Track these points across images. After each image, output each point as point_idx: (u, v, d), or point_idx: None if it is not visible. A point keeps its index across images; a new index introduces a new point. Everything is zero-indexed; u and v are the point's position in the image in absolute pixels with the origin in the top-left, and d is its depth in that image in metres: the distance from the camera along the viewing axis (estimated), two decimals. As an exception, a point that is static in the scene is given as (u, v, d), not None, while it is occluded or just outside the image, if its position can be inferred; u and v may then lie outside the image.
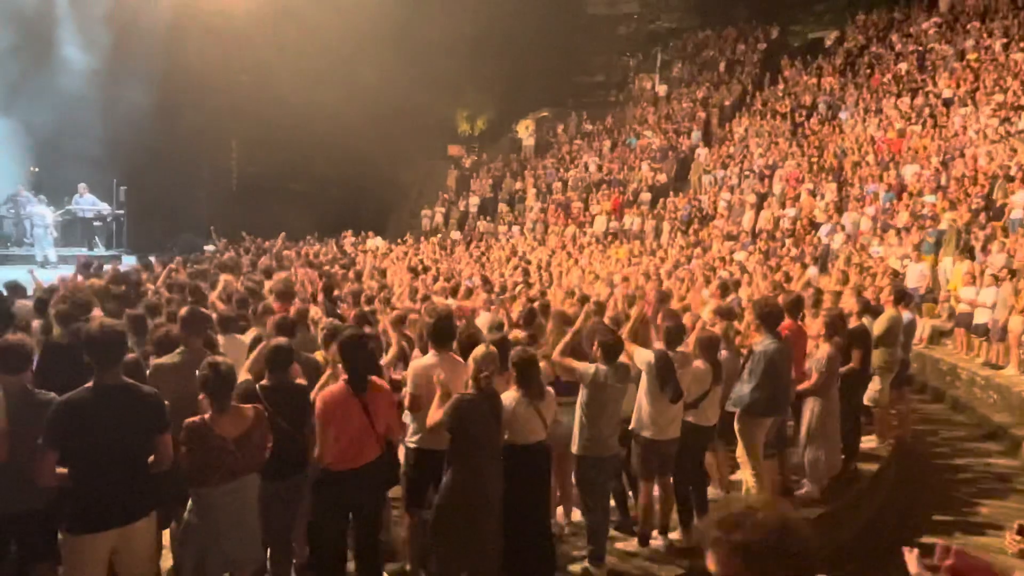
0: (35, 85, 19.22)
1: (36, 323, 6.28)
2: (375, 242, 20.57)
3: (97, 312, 6.29)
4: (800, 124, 22.28)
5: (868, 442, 7.30)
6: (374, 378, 4.24)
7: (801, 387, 6.05)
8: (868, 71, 23.22)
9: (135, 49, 20.94)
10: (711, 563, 1.75)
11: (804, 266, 13.18)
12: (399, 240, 21.34)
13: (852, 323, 6.75)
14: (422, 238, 22.56)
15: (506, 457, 4.34)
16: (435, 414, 4.22)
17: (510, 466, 4.33)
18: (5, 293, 7.49)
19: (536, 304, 7.36)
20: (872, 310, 7.38)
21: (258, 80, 22.69)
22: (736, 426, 5.64)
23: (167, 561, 4.30)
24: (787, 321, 5.95)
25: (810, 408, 6.14)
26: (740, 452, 5.70)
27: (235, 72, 22.83)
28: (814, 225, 16.69)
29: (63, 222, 18.47)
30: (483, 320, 7.41)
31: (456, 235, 23.83)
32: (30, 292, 8.25)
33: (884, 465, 7.05)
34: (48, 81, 19.45)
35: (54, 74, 19.69)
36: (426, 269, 13.69)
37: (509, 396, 4.40)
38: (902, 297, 7.74)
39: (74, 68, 20.05)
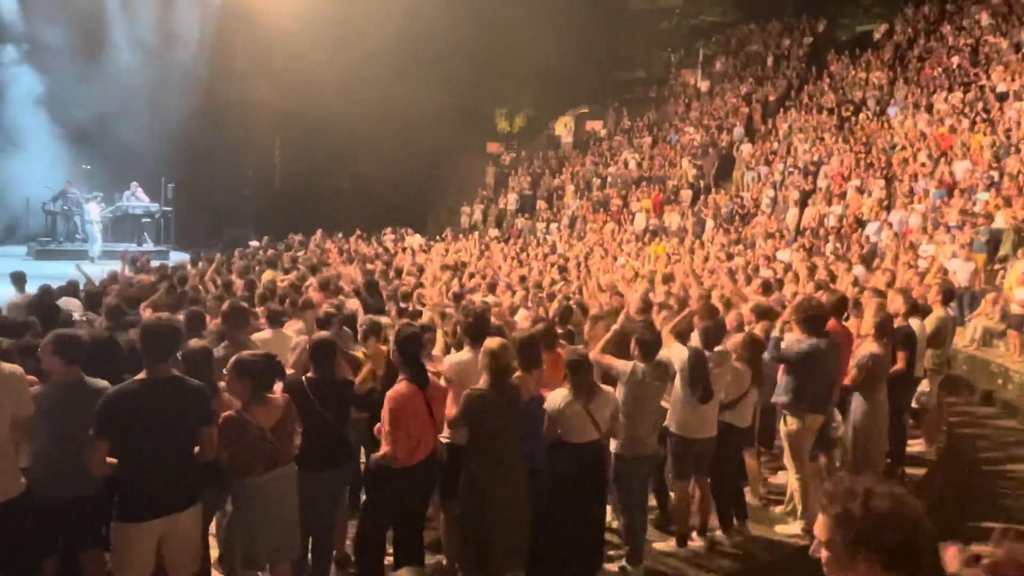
0: (87, 85, 19.85)
1: (84, 316, 6.47)
2: (414, 239, 20.73)
3: (143, 308, 6.46)
4: (847, 119, 21.78)
5: (915, 445, 7.12)
6: (430, 373, 4.29)
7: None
8: (918, 65, 22.57)
9: (183, 51, 21.50)
10: (824, 538, 1.74)
11: (850, 265, 12.88)
12: (438, 237, 21.47)
13: (898, 324, 6.58)
14: (460, 235, 22.65)
15: (557, 455, 4.33)
16: (450, 410, 4.26)
17: (560, 463, 4.32)
18: (54, 287, 7.75)
19: (572, 302, 7.35)
20: (920, 310, 7.18)
21: (301, 80, 23.07)
22: (782, 428, 5.55)
23: (215, 551, 4.39)
24: (831, 322, 5.83)
25: (854, 408, 6.01)
26: (786, 454, 5.60)
27: (279, 72, 23.24)
28: (860, 223, 16.30)
29: (113, 219, 19.04)
30: (520, 317, 7.42)
31: (494, 232, 23.88)
32: (81, 287, 8.52)
33: (931, 469, 6.87)
34: (100, 81, 20.07)
35: (105, 75, 20.30)
36: (464, 265, 13.75)
37: (559, 394, 4.38)
38: (951, 296, 7.52)
39: (125, 69, 20.65)
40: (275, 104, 22.52)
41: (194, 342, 4.22)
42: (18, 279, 8.39)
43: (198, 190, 21.36)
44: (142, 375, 3.59)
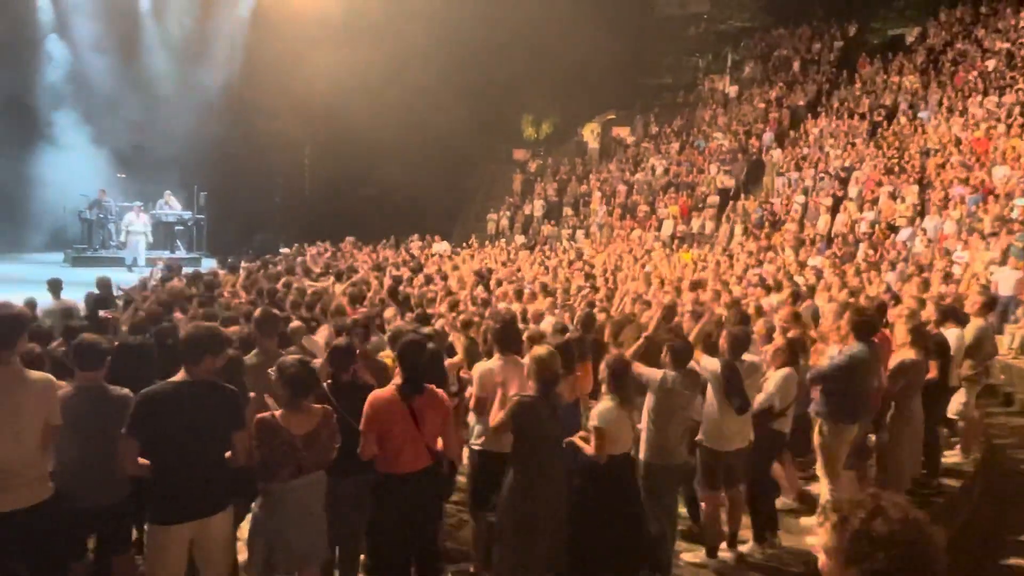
0: (122, 95, 20.29)
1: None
2: (441, 246, 20.81)
3: (178, 313, 6.57)
4: (879, 124, 21.45)
5: (952, 456, 6.96)
6: (432, 386, 4.14)
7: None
8: (952, 69, 22.18)
9: (214, 60, 21.87)
10: (823, 542, 1.70)
11: (880, 272, 12.68)
12: (464, 244, 21.53)
13: (932, 331, 6.45)
14: (487, 242, 22.70)
15: (594, 466, 4.30)
16: (496, 415, 4.23)
17: (599, 473, 4.30)
18: (97, 292, 7.92)
19: (596, 309, 7.32)
20: (956, 318, 7.03)
21: (330, 88, 23.31)
22: (816, 437, 5.46)
23: (243, 555, 4.42)
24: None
25: (888, 418, 5.90)
26: (819, 464, 5.50)
27: (308, 81, 23.52)
28: (893, 229, 16.03)
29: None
30: (547, 323, 7.40)
31: (520, 239, 23.89)
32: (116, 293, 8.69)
33: (968, 481, 6.70)
34: (134, 92, 20.50)
35: (140, 86, 20.73)
36: (490, 271, 13.78)
37: (606, 408, 4.33)
38: (992, 306, 7.36)
39: (158, 80, 21.06)
40: (304, 113, 22.80)
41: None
42: (54, 286, 8.57)
43: (229, 198, 21.67)
44: (178, 377, 3.63)
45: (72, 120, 19.68)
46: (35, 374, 3.65)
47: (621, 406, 4.32)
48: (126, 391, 3.88)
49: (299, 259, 15.59)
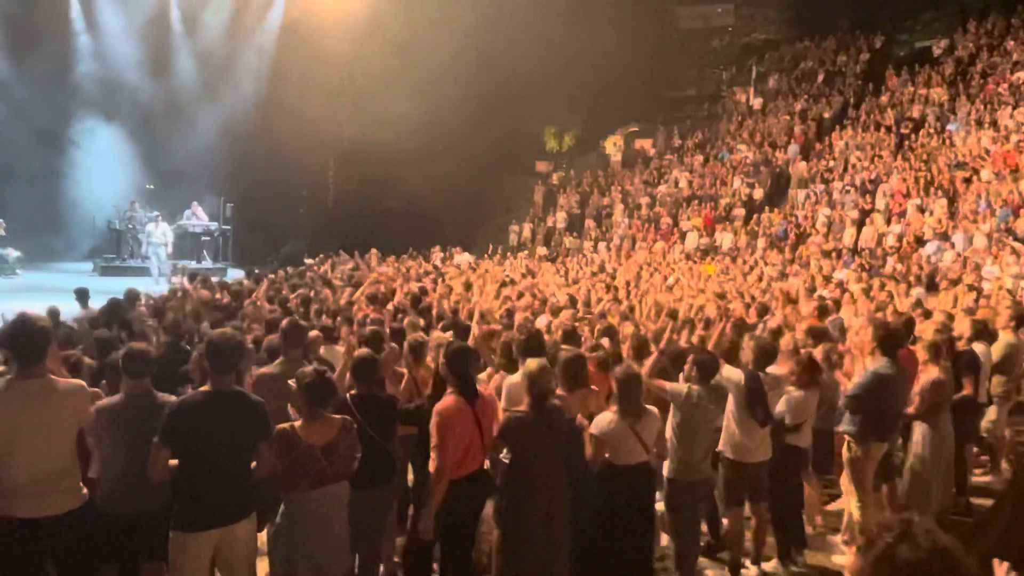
0: (152, 108, 20.68)
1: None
2: (463, 257, 20.87)
3: (204, 323, 6.64)
4: (906, 136, 21.21)
5: (982, 475, 6.81)
6: (482, 389, 4.28)
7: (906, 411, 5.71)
8: (981, 81, 21.88)
9: (242, 74, 22.23)
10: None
11: (909, 286, 12.47)
12: (486, 255, 21.56)
13: (962, 347, 6.33)
14: (509, 254, 22.72)
15: (605, 477, 4.27)
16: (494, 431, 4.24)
17: (608, 486, 4.26)
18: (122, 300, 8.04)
19: (616, 321, 7.27)
20: (988, 334, 6.89)
21: (354, 101, 23.59)
22: (844, 454, 5.37)
23: (265, 565, 4.44)
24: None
25: (917, 436, 5.78)
26: (845, 481, 5.41)
27: (333, 94, 23.83)
28: (920, 243, 15.80)
29: (175, 237, 19.69)
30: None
31: (542, 251, 23.88)
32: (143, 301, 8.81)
33: (999, 500, 6.54)
34: (164, 104, 20.89)
35: (169, 99, 21.11)
36: (512, 282, 13.78)
37: (604, 417, 4.32)
38: (1023, 321, 7.20)
39: (187, 93, 21.43)
40: (329, 126, 23.06)
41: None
42: (82, 295, 8.71)
43: (255, 209, 21.96)
44: (207, 387, 3.68)
45: (103, 133, 20.07)
46: (66, 382, 3.71)
47: (624, 418, 4.27)
48: (172, 399, 3.94)
49: (323, 269, 15.71)
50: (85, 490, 3.78)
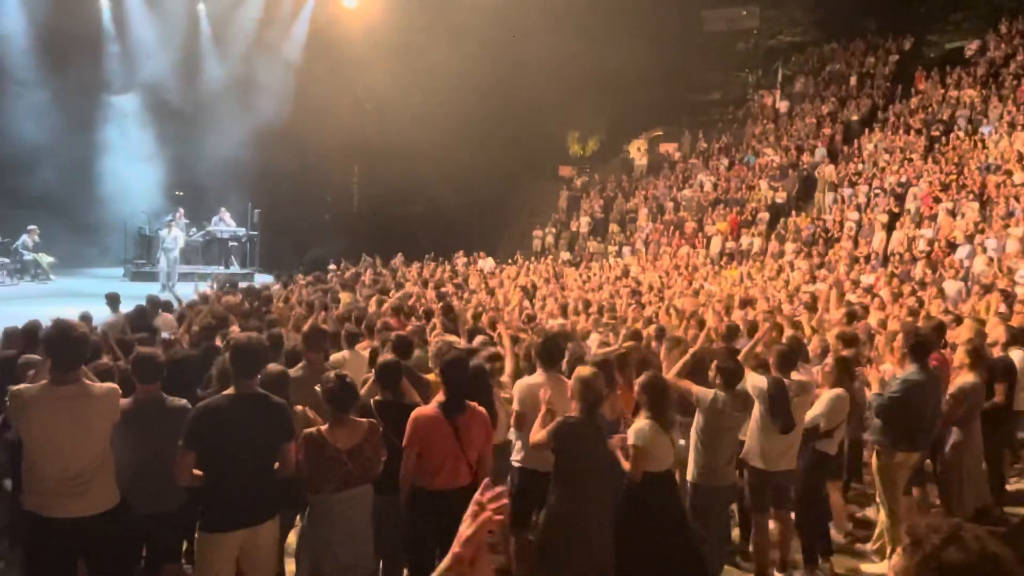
0: (181, 116, 21.02)
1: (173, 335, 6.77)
2: (486, 263, 20.91)
3: (234, 328, 6.71)
4: (937, 139, 20.85)
5: (1018, 483, 6.65)
6: (474, 404, 4.18)
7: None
8: (1014, 82, 21.45)
9: (269, 82, 22.52)
10: (894, 564, 1.62)
11: (941, 291, 12.25)
12: (509, 260, 21.58)
13: (996, 353, 6.20)
14: (532, 259, 22.72)
15: (643, 485, 4.25)
16: (537, 433, 4.20)
17: (641, 494, 4.24)
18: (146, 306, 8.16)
19: (640, 326, 7.23)
20: (1021, 340, 6.73)
21: (378, 108, 23.78)
22: (874, 463, 5.27)
23: (291, 566, 4.47)
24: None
25: (949, 443, 5.67)
26: (878, 490, 5.31)
27: (358, 101, 24.05)
28: (952, 247, 15.51)
29: (203, 242, 19.97)
30: (592, 341, 7.34)
31: (566, 256, 23.84)
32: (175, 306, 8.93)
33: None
34: (192, 111, 21.23)
35: (198, 107, 21.45)
36: (535, 287, 13.78)
37: (644, 427, 4.28)
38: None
39: (215, 99, 21.75)
40: (354, 133, 23.27)
41: (271, 366, 4.34)
42: (112, 300, 8.86)
43: (282, 215, 22.22)
44: (230, 391, 3.72)
45: (134, 140, 20.44)
46: (100, 386, 3.78)
47: (658, 426, 4.25)
48: (183, 402, 4.00)
49: (349, 273, 15.84)
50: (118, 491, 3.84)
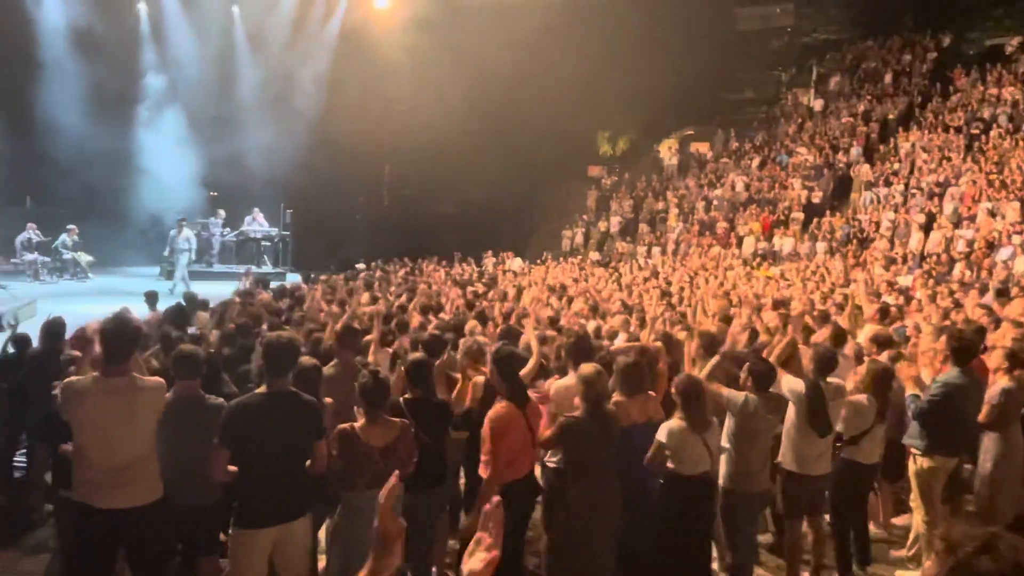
0: (216, 117, 21.37)
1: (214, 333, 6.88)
2: (515, 262, 20.91)
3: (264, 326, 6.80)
4: (976, 138, 20.37)
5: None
6: (529, 391, 4.33)
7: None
8: (1058, 78, 20.90)
9: (301, 83, 22.80)
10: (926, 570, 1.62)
11: (981, 292, 11.96)
12: (538, 260, 21.55)
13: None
14: (561, 259, 22.66)
15: (670, 487, 4.22)
16: (543, 433, 4.21)
17: (672, 496, 4.20)
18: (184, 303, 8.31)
19: (672, 326, 7.17)
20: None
21: (409, 109, 23.92)
22: (911, 467, 5.17)
23: (322, 562, 4.53)
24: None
25: (986, 447, 5.53)
26: (914, 496, 5.21)
27: (389, 102, 24.22)
28: (992, 248, 15.15)
29: (237, 242, 20.28)
30: (619, 342, 7.29)
31: (595, 256, 23.74)
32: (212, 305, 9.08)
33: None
34: (227, 113, 21.57)
35: (233, 109, 21.78)
36: (564, 288, 13.72)
37: (674, 426, 4.26)
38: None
39: (250, 100, 22.08)
40: (385, 133, 23.43)
41: (306, 359, 4.40)
42: (151, 298, 9.04)
43: (314, 216, 22.49)
44: (263, 389, 3.78)
45: (169, 141, 20.81)
46: (148, 380, 3.88)
47: (691, 428, 4.21)
48: (220, 400, 4.09)
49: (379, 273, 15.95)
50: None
